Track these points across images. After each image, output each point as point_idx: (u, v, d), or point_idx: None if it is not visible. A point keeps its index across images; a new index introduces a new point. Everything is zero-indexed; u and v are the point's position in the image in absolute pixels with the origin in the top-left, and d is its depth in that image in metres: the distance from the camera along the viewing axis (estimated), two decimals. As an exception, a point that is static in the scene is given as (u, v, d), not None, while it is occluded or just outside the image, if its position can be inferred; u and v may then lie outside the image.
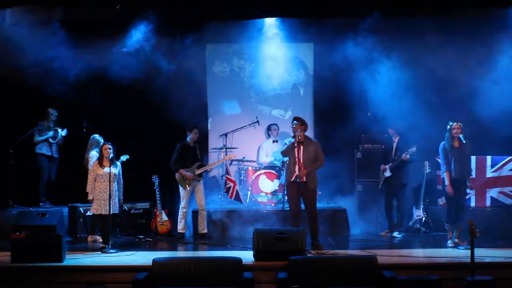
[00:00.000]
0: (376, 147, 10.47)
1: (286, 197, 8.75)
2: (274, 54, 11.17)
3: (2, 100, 10.36)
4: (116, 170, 8.47)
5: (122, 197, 8.69)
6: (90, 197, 8.50)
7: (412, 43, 10.20)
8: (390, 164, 9.37)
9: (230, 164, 10.85)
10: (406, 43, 10.21)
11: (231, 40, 10.99)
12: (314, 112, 11.29)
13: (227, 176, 10.12)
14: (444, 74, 10.01)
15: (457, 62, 9.88)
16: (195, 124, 9.56)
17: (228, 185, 10.08)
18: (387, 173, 9.39)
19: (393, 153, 9.45)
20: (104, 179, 8.38)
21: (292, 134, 8.50)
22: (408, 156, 9.12)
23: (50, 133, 10.16)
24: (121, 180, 8.62)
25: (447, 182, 8.42)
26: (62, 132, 10.26)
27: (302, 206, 8.47)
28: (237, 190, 9.98)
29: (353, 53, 10.11)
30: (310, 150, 8.38)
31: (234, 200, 10.02)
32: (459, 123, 8.40)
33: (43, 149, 10.19)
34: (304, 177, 8.29)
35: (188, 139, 9.43)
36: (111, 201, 8.32)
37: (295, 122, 8.46)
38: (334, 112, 10.88)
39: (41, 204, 10.13)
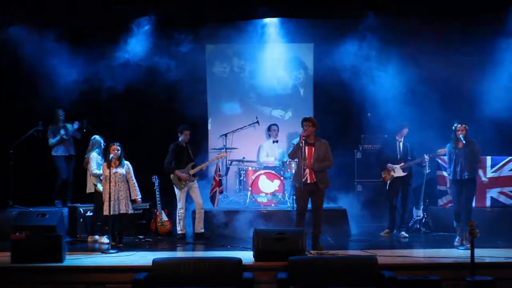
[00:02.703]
0: (376, 147, 10.48)
1: (294, 197, 8.72)
2: (274, 54, 11.17)
3: (1, 100, 10.36)
4: (123, 170, 8.47)
5: (139, 197, 8.61)
6: (106, 198, 8.45)
7: (411, 43, 10.21)
8: (402, 164, 9.32)
9: (230, 164, 10.85)
10: (406, 43, 10.22)
11: (231, 40, 10.99)
12: (314, 112, 11.27)
13: (214, 176, 10.01)
14: (444, 74, 10.03)
15: (457, 62, 9.91)
16: (185, 125, 9.51)
17: (212, 183, 9.97)
18: (399, 173, 9.32)
19: (401, 153, 9.39)
20: (112, 180, 8.36)
21: (301, 134, 8.28)
22: (429, 158, 9.12)
23: (62, 131, 10.16)
24: (132, 179, 8.57)
25: (448, 184, 8.51)
26: (75, 125, 10.21)
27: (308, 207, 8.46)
28: (215, 192, 9.82)
29: (353, 53, 10.14)
30: (321, 150, 8.27)
31: (210, 198, 9.85)
32: (464, 125, 8.36)
33: (59, 151, 10.21)
34: (314, 178, 8.22)
35: (180, 139, 9.42)
36: (120, 201, 8.35)
37: (304, 123, 8.28)
38: (334, 112, 10.88)
39: (56, 202, 10.14)
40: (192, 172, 9.32)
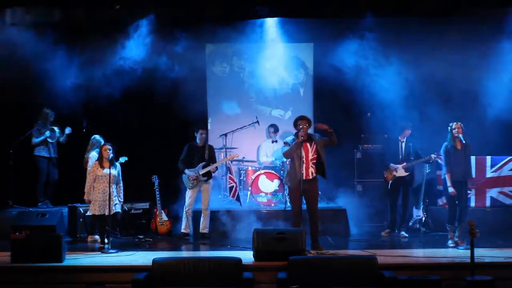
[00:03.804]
0: (376, 147, 10.47)
1: (288, 197, 8.71)
2: (274, 54, 11.15)
3: (1, 101, 10.35)
4: (115, 171, 8.45)
5: (122, 200, 8.62)
6: (86, 198, 8.48)
7: (411, 43, 10.20)
8: (404, 164, 9.32)
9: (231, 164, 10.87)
10: (406, 43, 10.21)
11: (231, 40, 10.97)
12: (313, 112, 11.28)
13: (230, 175, 10.10)
14: (443, 74, 10.03)
15: (457, 62, 9.91)
16: (199, 124, 9.53)
17: (230, 185, 10.09)
18: (401, 173, 9.31)
19: (403, 153, 9.38)
20: (104, 180, 8.35)
21: (300, 133, 8.27)
22: (435, 157, 9.11)
23: (47, 133, 10.11)
24: (121, 182, 8.57)
25: (448, 183, 8.42)
26: (66, 130, 10.20)
27: (303, 207, 8.45)
28: (238, 192, 10.01)
29: (353, 53, 10.12)
30: (320, 143, 8.27)
31: (235, 200, 10.01)
32: (460, 123, 8.39)
33: (42, 151, 10.16)
34: (310, 174, 8.22)
35: (197, 140, 9.41)
36: (110, 202, 8.31)
37: (300, 122, 8.28)
38: (333, 112, 10.86)
39: (39, 204, 10.12)
40: (201, 172, 9.29)
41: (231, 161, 10.71)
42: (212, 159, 9.42)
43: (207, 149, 9.41)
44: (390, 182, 9.40)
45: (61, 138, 10.29)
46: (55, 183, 10.33)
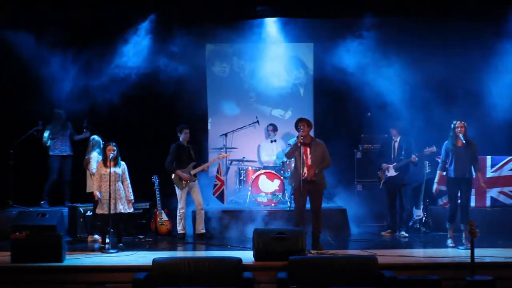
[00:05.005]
0: (376, 147, 10.47)
1: (292, 196, 8.72)
2: (274, 54, 11.16)
3: (2, 100, 10.35)
4: (119, 170, 8.46)
5: (132, 198, 8.57)
6: (97, 197, 8.46)
7: (412, 43, 10.20)
8: (395, 163, 9.33)
9: (230, 164, 10.85)
10: (406, 43, 10.21)
11: (231, 40, 10.99)
12: (314, 112, 11.29)
13: (217, 175, 10.06)
14: (444, 74, 10.02)
15: (457, 62, 9.89)
16: (184, 124, 9.53)
17: (215, 183, 10.05)
18: (391, 173, 9.34)
19: (395, 153, 9.39)
20: (107, 179, 8.34)
21: (300, 134, 8.31)
22: (417, 158, 9.08)
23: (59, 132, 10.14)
24: (127, 180, 8.55)
25: (436, 179, 8.61)
26: (86, 134, 10.17)
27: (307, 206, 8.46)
28: (222, 190, 9.88)
29: (353, 53, 10.12)
30: (318, 152, 8.32)
31: (216, 197, 9.93)
32: (463, 122, 8.38)
33: (56, 151, 10.19)
34: (313, 175, 8.23)
35: (181, 139, 9.42)
36: (116, 201, 8.34)
37: (300, 124, 8.31)
38: (334, 112, 10.89)
39: (41, 203, 10.12)
40: (193, 172, 9.32)
41: (230, 162, 10.74)
42: (196, 158, 9.45)
43: (192, 149, 9.44)
44: (382, 181, 9.42)
45: (75, 136, 10.32)
46: (69, 182, 10.33)
